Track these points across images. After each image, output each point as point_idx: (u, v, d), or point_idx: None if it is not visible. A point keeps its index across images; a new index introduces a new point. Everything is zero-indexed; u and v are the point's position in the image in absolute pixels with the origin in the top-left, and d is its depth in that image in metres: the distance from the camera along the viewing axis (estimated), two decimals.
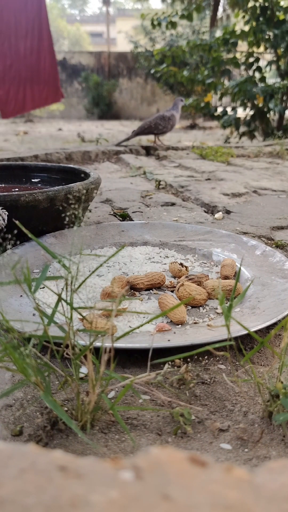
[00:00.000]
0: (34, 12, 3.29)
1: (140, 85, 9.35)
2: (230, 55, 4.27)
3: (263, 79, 4.06)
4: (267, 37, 3.96)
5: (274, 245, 1.03)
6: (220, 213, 1.28)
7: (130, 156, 2.50)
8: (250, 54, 4.13)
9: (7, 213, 0.81)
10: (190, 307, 0.72)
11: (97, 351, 0.54)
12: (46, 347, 0.54)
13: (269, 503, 0.16)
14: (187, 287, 0.71)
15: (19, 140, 3.92)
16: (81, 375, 0.50)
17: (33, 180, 1.27)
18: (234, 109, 4.25)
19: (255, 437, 0.44)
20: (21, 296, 0.70)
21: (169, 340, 0.59)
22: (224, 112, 4.24)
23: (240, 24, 4.43)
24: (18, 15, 3.21)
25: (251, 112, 4.12)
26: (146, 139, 3.20)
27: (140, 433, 0.45)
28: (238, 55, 4.31)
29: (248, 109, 4.13)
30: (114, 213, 1.29)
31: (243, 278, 0.80)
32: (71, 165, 1.27)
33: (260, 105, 3.95)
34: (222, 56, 4.21)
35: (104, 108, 8.97)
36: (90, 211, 1.30)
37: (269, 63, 4.18)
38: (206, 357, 0.58)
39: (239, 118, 4.10)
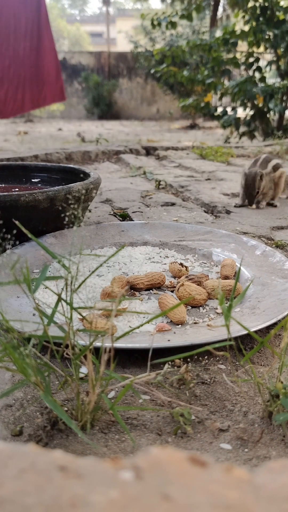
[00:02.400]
0: (34, 12, 3.28)
1: (140, 85, 9.35)
2: (230, 55, 4.27)
3: (263, 79, 4.06)
4: (267, 37, 3.96)
5: (274, 245, 1.03)
6: None
7: (130, 156, 2.50)
8: (250, 54, 4.13)
9: None
10: (190, 307, 0.72)
11: (97, 351, 0.54)
12: (46, 347, 0.54)
13: (269, 503, 0.16)
14: (187, 287, 0.71)
15: (19, 140, 3.91)
16: (81, 375, 0.50)
17: (33, 180, 1.27)
18: (234, 109, 4.25)
19: (255, 437, 0.44)
20: (20, 296, 0.70)
21: (169, 340, 0.59)
22: (224, 112, 4.24)
23: (240, 24, 4.42)
24: (17, 16, 3.21)
25: (251, 112, 4.12)
26: (146, 139, 3.20)
27: (140, 433, 0.45)
28: (238, 55, 4.31)
29: (248, 109, 4.12)
30: (114, 213, 1.29)
31: (243, 278, 0.80)
32: (71, 165, 1.27)
33: (260, 105, 3.95)
34: (222, 56, 4.20)
35: (104, 108, 8.97)
36: (90, 211, 1.30)
37: (269, 63, 4.18)
38: (206, 357, 0.58)
39: (239, 118, 4.10)
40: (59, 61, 3.57)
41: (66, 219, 0.91)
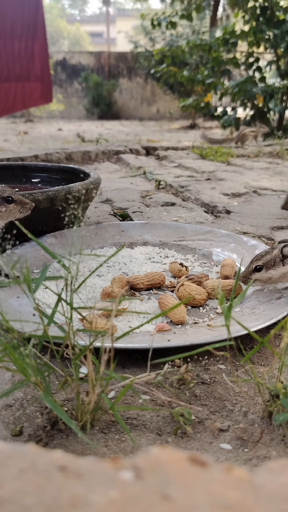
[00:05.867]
0: (31, 13, 3.28)
1: (140, 85, 9.35)
2: (230, 55, 4.28)
3: (263, 79, 4.07)
4: (267, 37, 3.96)
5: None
6: None
7: (130, 156, 2.50)
8: (250, 54, 4.13)
9: None
10: (190, 307, 0.72)
11: (97, 351, 0.54)
12: (46, 347, 0.54)
13: (269, 503, 0.16)
14: (187, 287, 0.71)
15: (19, 140, 3.92)
16: (81, 375, 0.50)
17: (33, 180, 1.27)
18: (234, 109, 4.25)
19: (255, 437, 0.44)
20: (20, 296, 0.70)
21: (169, 340, 0.59)
22: (224, 112, 4.24)
23: (240, 24, 4.42)
24: (15, 16, 3.21)
25: (251, 112, 4.12)
26: (146, 139, 3.20)
27: (140, 433, 0.45)
28: (238, 55, 4.31)
29: (248, 109, 4.13)
30: (114, 213, 1.29)
31: None
32: (71, 165, 1.27)
33: (260, 105, 3.95)
34: (222, 56, 4.21)
35: (104, 108, 8.96)
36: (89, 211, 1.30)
37: (269, 63, 4.18)
38: (206, 357, 0.58)
39: (239, 118, 4.10)
40: (49, 62, 3.58)
41: (66, 219, 0.91)
